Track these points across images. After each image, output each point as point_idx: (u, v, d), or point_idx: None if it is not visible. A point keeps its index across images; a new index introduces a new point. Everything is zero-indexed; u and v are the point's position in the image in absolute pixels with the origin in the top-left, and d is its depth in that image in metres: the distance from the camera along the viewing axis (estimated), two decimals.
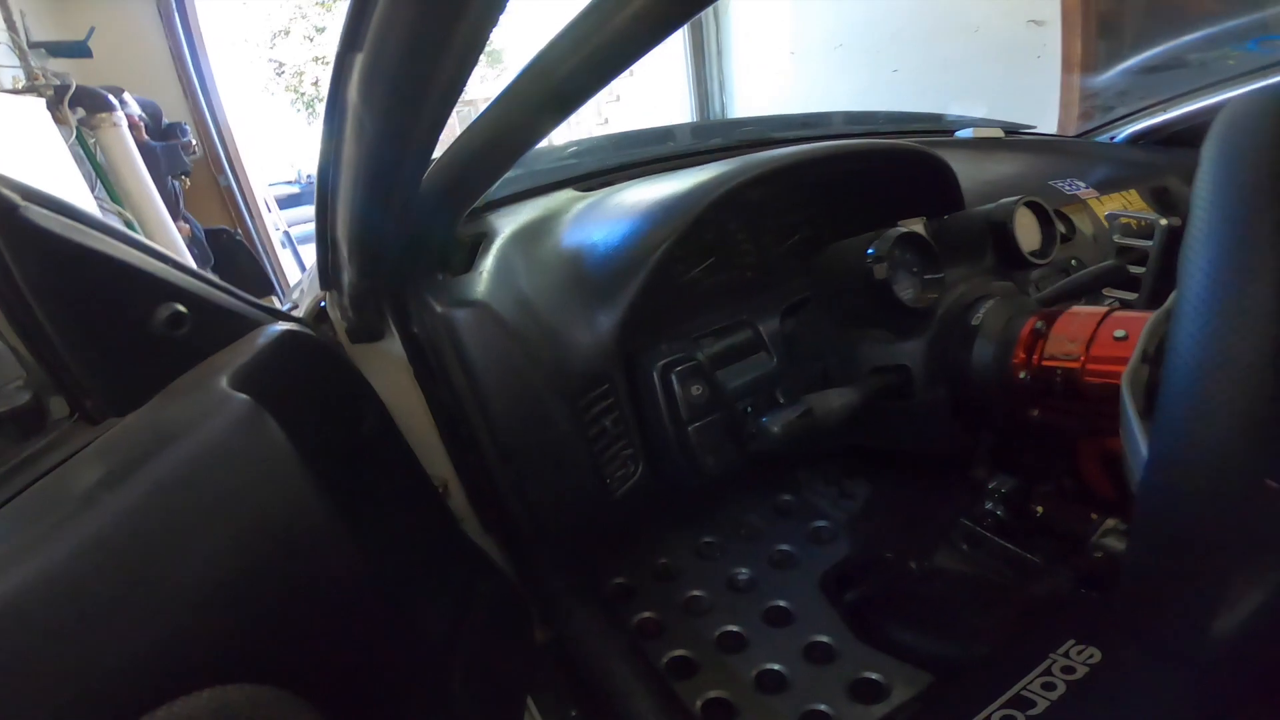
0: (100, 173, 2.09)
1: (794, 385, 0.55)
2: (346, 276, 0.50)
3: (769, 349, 0.58)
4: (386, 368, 0.58)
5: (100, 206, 2.03)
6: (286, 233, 2.86)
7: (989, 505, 0.67)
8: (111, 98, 2.10)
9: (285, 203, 3.05)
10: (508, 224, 0.61)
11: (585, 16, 0.31)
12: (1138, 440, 0.34)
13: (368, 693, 0.43)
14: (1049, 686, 0.45)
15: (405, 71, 0.32)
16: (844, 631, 0.65)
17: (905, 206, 0.72)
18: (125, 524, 0.34)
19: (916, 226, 0.70)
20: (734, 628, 0.68)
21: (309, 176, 5.06)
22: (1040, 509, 0.65)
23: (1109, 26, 2.32)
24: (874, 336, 0.51)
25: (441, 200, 0.47)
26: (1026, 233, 0.59)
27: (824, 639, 0.65)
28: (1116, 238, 0.86)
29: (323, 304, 0.61)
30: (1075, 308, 0.47)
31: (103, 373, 0.40)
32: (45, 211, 0.38)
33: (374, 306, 0.55)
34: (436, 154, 0.43)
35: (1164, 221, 0.79)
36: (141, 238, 0.44)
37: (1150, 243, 0.81)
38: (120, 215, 2.04)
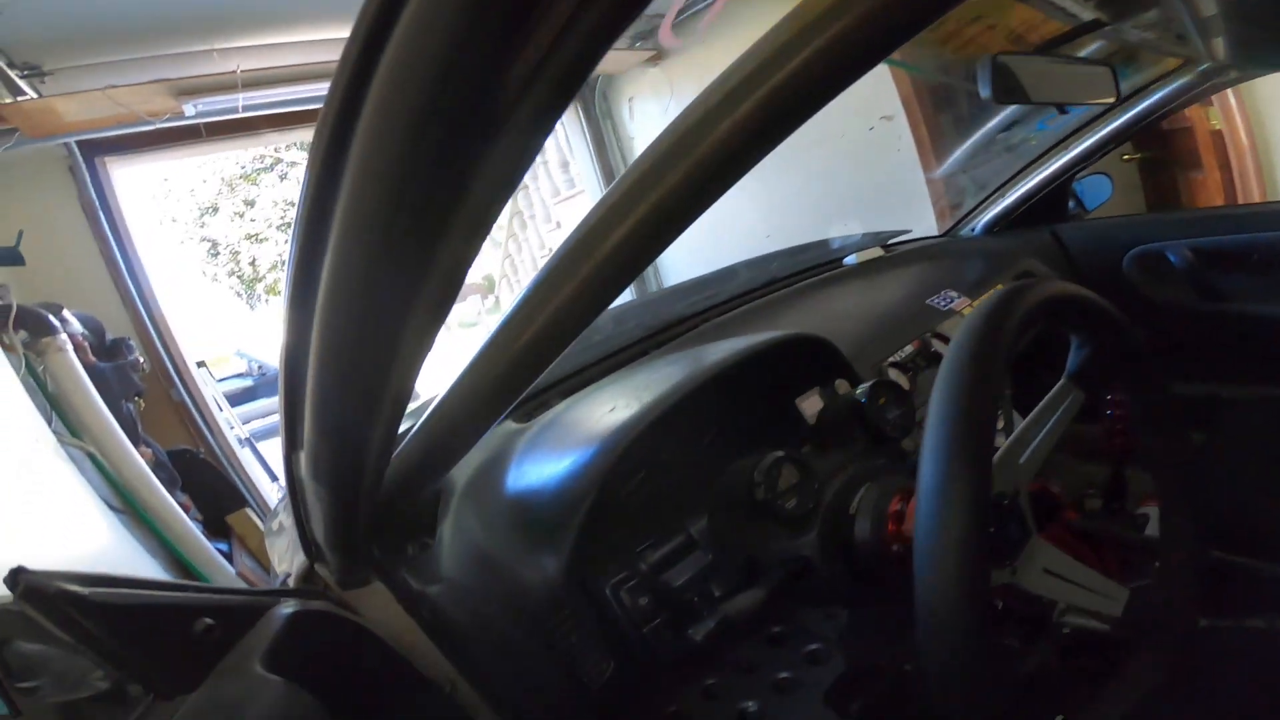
0: (54, 404, 2.09)
1: (727, 575, 0.66)
2: (329, 555, 0.59)
3: (703, 547, 0.69)
4: (379, 603, 0.66)
5: (60, 442, 2.03)
6: (249, 440, 2.86)
7: None
8: (52, 318, 2.10)
9: (241, 397, 3.07)
10: (459, 475, 0.71)
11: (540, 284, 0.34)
12: None
13: None
14: None
15: (346, 453, 0.42)
16: None
17: (800, 382, 0.86)
18: None
19: (813, 396, 0.84)
20: None
21: (260, 367, 4.97)
22: (1000, 602, 0.75)
23: (945, 117, 2.63)
24: (775, 534, 0.63)
25: (404, 488, 0.57)
26: (887, 408, 0.73)
27: None
28: None
29: (312, 564, 0.70)
30: None
31: (166, 668, 0.53)
32: (103, 590, 0.49)
33: (357, 572, 0.64)
34: None
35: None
36: (167, 578, 0.56)
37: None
38: (81, 449, 2.05)
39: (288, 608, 0.60)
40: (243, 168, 9.33)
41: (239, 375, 4.64)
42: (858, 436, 0.70)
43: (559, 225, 4.46)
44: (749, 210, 3.21)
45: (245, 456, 2.79)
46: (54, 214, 2.47)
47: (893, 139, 2.70)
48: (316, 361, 0.32)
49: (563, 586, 0.62)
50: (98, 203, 2.52)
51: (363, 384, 0.33)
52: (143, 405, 2.32)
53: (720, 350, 0.81)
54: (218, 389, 3.02)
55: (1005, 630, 0.75)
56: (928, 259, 1.66)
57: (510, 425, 0.82)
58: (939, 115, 2.68)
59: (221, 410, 2.87)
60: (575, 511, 0.62)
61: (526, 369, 0.39)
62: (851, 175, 2.91)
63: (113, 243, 2.53)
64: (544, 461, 0.70)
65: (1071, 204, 1.74)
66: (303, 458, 0.47)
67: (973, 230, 1.79)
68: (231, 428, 2.84)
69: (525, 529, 0.64)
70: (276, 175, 9.45)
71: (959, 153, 2.65)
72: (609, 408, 0.73)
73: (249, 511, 2.34)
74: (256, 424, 2.99)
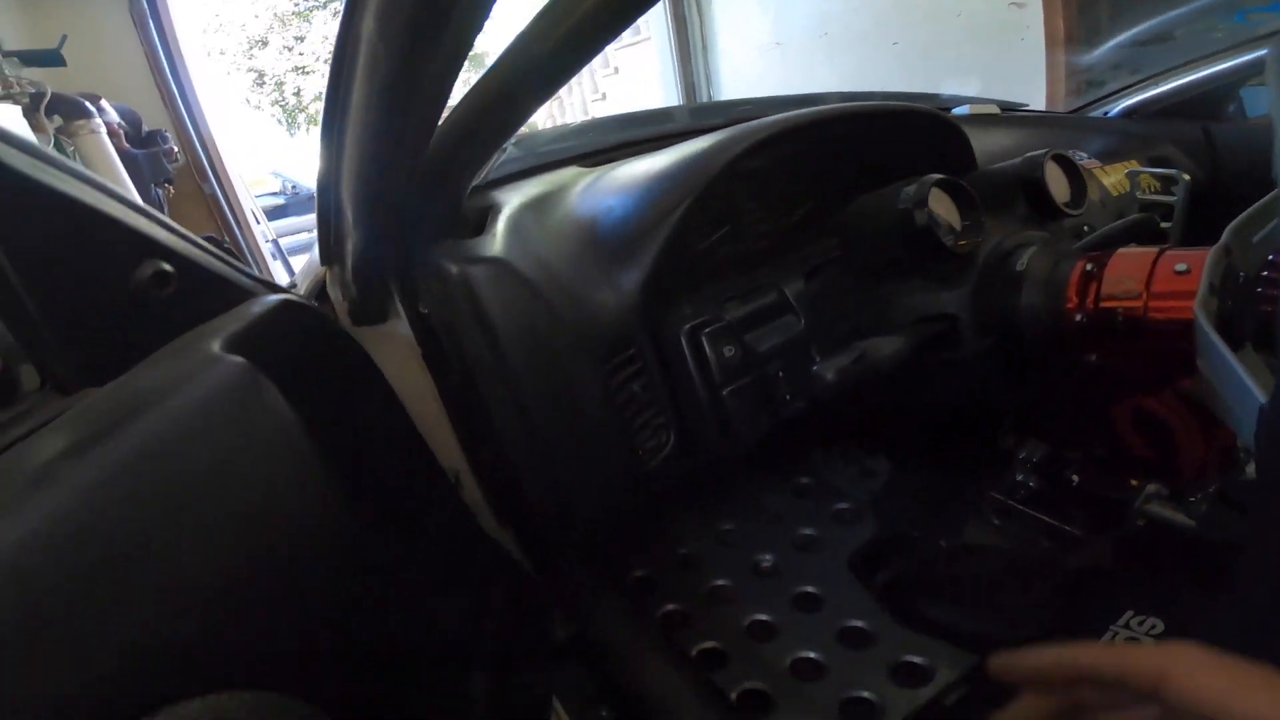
0: None
1: (825, 346, 0.53)
2: (350, 245, 0.47)
3: (796, 311, 0.56)
4: (392, 352, 0.54)
5: None
6: (275, 242, 2.81)
7: (1020, 476, 0.65)
8: (88, 104, 2.07)
9: (272, 214, 3.01)
10: (515, 197, 0.59)
11: None
12: (1237, 372, 0.32)
13: (383, 698, 0.39)
14: None
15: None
16: (878, 614, 0.63)
17: (915, 172, 0.71)
18: (92, 499, 0.28)
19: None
20: (763, 616, 0.65)
21: (294, 187, 5.02)
22: (1076, 477, 0.62)
23: (1089, 3, 2.33)
24: (913, 287, 0.49)
25: (452, 157, 0.44)
26: (1056, 185, 0.57)
27: (858, 623, 0.63)
28: (1139, 193, 0.86)
29: (323, 284, 0.58)
30: (1123, 249, 0.45)
31: (76, 337, 0.36)
32: (8, 148, 0.33)
33: (379, 281, 0.52)
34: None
35: (1186, 177, 0.78)
36: (120, 190, 0.40)
37: (1174, 197, 0.81)
38: None
39: (280, 296, 0.48)
40: (296, 4, 9.15)
41: (273, 194, 4.71)
42: (1019, 208, 0.55)
43: (616, 70, 4.14)
44: (849, 80, 2.91)
45: (276, 269, 2.74)
46: (102, 24, 2.42)
47: (1019, 27, 2.40)
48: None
49: (637, 312, 0.50)
50: (148, 10, 2.44)
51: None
52: (171, 192, 2.25)
53: (838, 106, 0.65)
54: (255, 203, 2.94)
55: (1073, 515, 0.64)
56: (1050, 125, 1.50)
57: (575, 169, 0.69)
58: (1082, 11, 2.35)
59: (259, 223, 2.80)
60: (658, 229, 0.49)
61: (572, 47, 0.36)
62: (959, 60, 2.59)
63: (160, 52, 2.47)
64: (621, 188, 0.57)
65: (1231, 108, 1.58)
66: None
67: (1105, 113, 1.61)
68: (268, 239, 2.78)
69: (599, 244, 0.52)
70: (329, 12, 9.22)
71: (1097, 52, 2.34)
72: (699, 144, 0.59)
73: None
74: (288, 239, 2.94)
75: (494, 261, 0.46)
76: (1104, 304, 0.44)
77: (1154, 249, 0.44)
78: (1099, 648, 0.26)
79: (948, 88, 2.66)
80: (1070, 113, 1.69)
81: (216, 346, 0.37)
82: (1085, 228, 0.94)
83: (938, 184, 0.47)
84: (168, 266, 0.38)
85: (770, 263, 0.61)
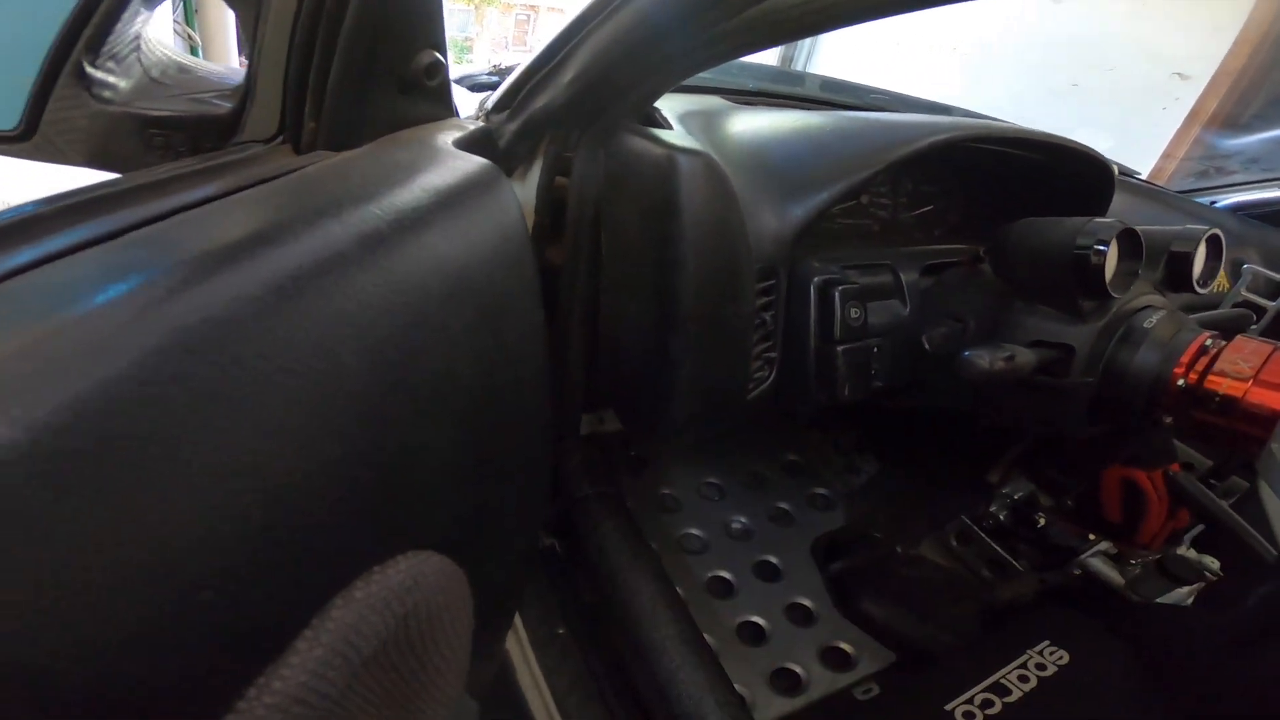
0: None
1: (932, 337, 0.57)
2: (547, 97, 0.45)
3: (905, 298, 0.59)
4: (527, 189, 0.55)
5: (174, 28, 1.92)
6: None
7: (994, 508, 0.71)
8: None
9: None
10: (673, 105, 0.59)
11: None
12: None
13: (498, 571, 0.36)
14: (1023, 679, 0.50)
15: None
16: (825, 598, 0.68)
17: (1044, 204, 0.71)
18: (316, 278, 0.23)
19: None
20: (724, 574, 0.70)
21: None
22: (1042, 519, 0.69)
23: (1254, 91, 2.19)
24: (1043, 312, 0.52)
25: (705, 47, 0.44)
26: (1198, 263, 0.60)
27: (806, 602, 0.68)
28: (1243, 290, 0.88)
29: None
30: (1242, 336, 0.48)
31: (339, 99, 0.33)
32: None
33: (532, 144, 0.51)
34: None
35: None
36: None
37: (1274, 303, 0.84)
38: (188, 38, 1.94)
39: (481, 123, 0.46)
40: None
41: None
42: (1157, 273, 0.57)
43: None
44: (967, 99, 2.81)
45: None
46: None
47: (1168, 96, 2.25)
48: None
49: (788, 247, 0.51)
50: None
51: None
52: None
53: (1016, 126, 0.66)
54: None
55: (1023, 553, 0.71)
56: (1154, 200, 1.49)
57: (718, 100, 0.70)
58: (1244, 98, 2.18)
59: None
60: (833, 181, 0.51)
61: None
62: (1083, 110, 2.47)
63: None
64: (803, 131, 0.58)
65: None
66: None
67: (1212, 203, 1.60)
68: None
69: (771, 173, 0.53)
70: None
71: (1242, 139, 2.22)
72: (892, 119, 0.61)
73: None
74: None
75: (699, 154, 0.47)
76: (1211, 377, 0.47)
77: (1273, 343, 0.47)
78: None
79: (1075, 137, 2.57)
80: (1180, 193, 1.67)
81: (450, 143, 0.36)
82: None
83: (1125, 232, 0.49)
84: (443, 59, 0.37)
85: (885, 247, 0.64)
